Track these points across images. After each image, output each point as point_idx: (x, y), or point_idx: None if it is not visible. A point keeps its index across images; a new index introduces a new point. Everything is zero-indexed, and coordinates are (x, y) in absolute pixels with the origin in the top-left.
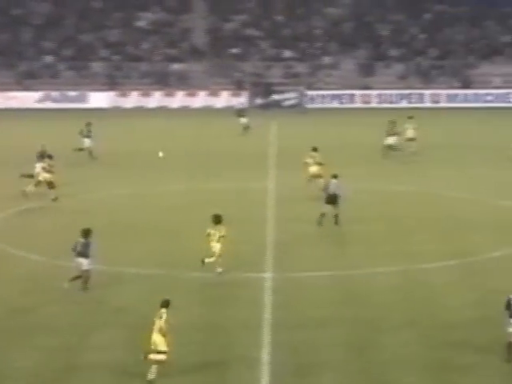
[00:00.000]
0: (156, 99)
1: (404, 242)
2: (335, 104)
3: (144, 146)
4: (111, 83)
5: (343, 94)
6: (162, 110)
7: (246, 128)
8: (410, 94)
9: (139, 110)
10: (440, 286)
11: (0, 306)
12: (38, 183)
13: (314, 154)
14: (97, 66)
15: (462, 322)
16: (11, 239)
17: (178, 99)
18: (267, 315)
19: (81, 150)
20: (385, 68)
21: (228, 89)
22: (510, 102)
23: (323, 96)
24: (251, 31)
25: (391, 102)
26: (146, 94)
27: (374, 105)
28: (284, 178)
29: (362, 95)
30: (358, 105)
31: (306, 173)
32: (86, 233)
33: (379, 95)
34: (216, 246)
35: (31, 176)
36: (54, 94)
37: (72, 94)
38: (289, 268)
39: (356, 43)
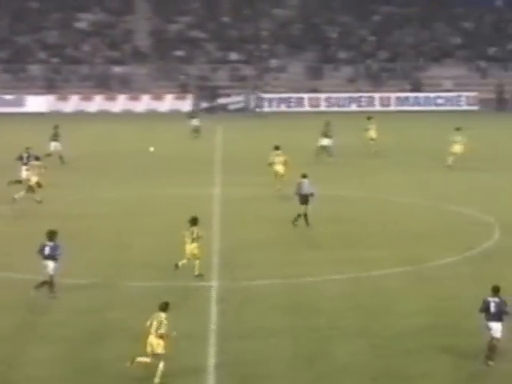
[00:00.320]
0: (97, 103)
1: (354, 249)
2: (283, 108)
3: (85, 151)
4: (50, 87)
5: (291, 98)
6: (103, 115)
7: (197, 130)
8: (360, 97)
9: (79, 115)
10: (391, 294)
11: None
12: (30, 188)
13: (277, 152)
14: (34, 69)
15: (414, 330)
16: None
17: (120, 103)
18: (213, 325)
19: (48, 155)
20: (333, 71)
21: (172, 92)
22: (460, 105)
23: (270, 99)
24: (196, 33)
25: (340, 106)
26: (86, 98)
27: (322, 108)
28: (230, 183)
29: (310, 98)
30: (307, 108)
31: (271, 172)
32: (52, 235)
33: (328, 98)
34: (192, 248)
35: (19, 182)
36: None
37: (8, 97)
38: (236, 276)
39: (304, 45)
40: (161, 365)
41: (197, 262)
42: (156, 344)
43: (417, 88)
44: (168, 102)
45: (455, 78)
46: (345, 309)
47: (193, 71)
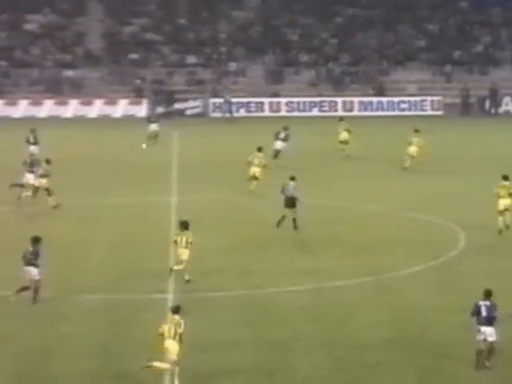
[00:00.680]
0: (47, 108)
1: (315, 259)
2: (242, 112)
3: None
4: None
5: (250, 102)
6: (54, 120)
7: (155, 136)
8: (322, 101)
9: (29, 120)
10: (353, 305)
11: None
12: (36, 190)
13: (259, 154)
14: None
15: (377, 342)
16: None
17: (72, 108)
18: None
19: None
20: (294, 74)
21: (126, 97)
22: (425, 110)
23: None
24: (151, 35)
25: (301, 111)
26: (36, 103)
27: (283, 113)
28: (187, 191)
29: (270, 103)
30: (267, 113)
31: (247, 172)
32: (35, 240)
33: (289, 103)
34: (184, 253)
35: (21, 185)
36: None
37: None
38: (193, 288)
39: (264, 48)
40: (176, 369)
41: (183, 265)
42: (172, 349)
43: (380, 92)
44: (122, 107)
45: (419, 82)
46: (306, 321)
47: (148, 75)
